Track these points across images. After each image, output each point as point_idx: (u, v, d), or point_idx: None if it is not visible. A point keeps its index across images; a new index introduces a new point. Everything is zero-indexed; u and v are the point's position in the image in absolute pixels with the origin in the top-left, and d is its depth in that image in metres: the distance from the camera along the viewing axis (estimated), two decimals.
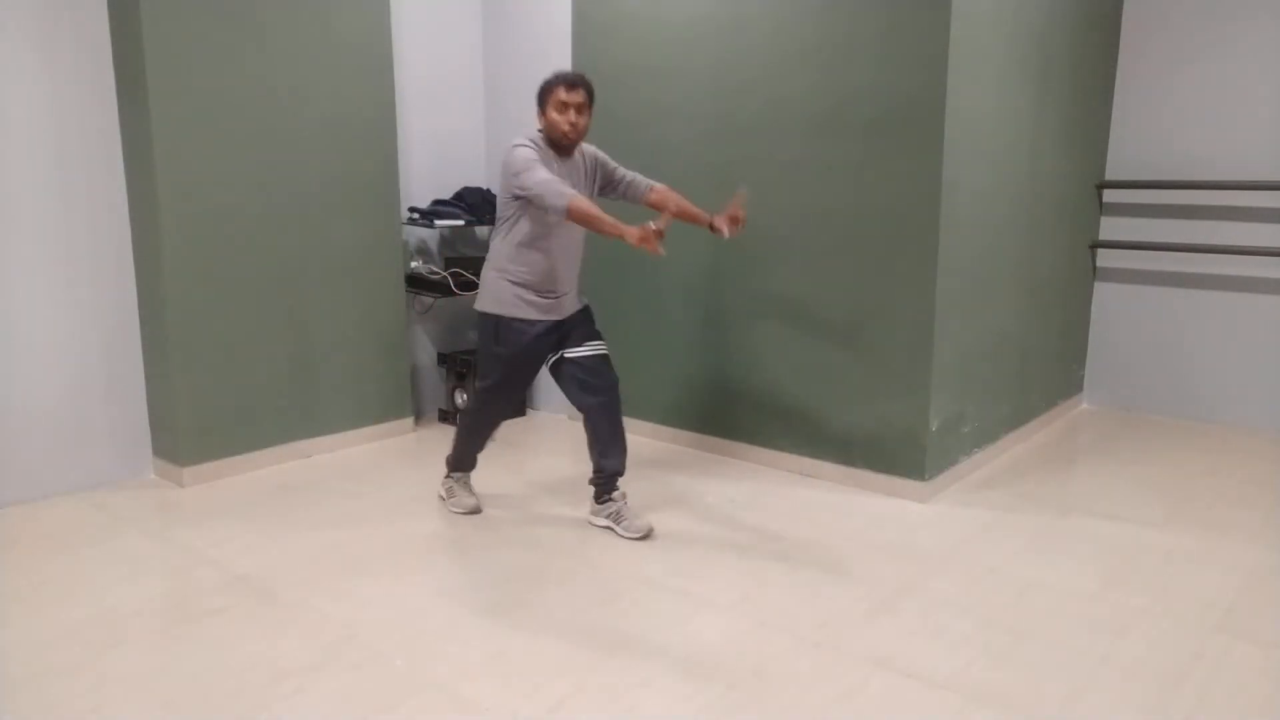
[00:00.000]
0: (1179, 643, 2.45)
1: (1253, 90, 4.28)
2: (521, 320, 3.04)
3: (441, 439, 4.34)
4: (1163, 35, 4.51)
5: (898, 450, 3.54)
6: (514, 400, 3.32)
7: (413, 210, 4.50)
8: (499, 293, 3.05)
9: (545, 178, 2.83)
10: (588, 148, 3.11)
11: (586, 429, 3.20)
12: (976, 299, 3.69)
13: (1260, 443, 4.27)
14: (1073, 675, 2.29)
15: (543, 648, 2.41)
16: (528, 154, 2.88)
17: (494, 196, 4.68)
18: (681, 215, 3.13)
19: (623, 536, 3.16)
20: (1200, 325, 4.57)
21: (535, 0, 4.52)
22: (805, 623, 2.55)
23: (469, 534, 3.18)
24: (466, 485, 3.42)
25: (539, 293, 3.04)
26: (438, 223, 4.42)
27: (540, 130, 2.99)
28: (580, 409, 3.18)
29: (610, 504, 3.21)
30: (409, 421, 4.45)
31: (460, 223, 4.46)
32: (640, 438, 4.17)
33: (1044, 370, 4.46)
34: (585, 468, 3.28)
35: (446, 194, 4.67)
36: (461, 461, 3.41)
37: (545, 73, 4.47)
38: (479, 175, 4.86)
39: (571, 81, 2.93)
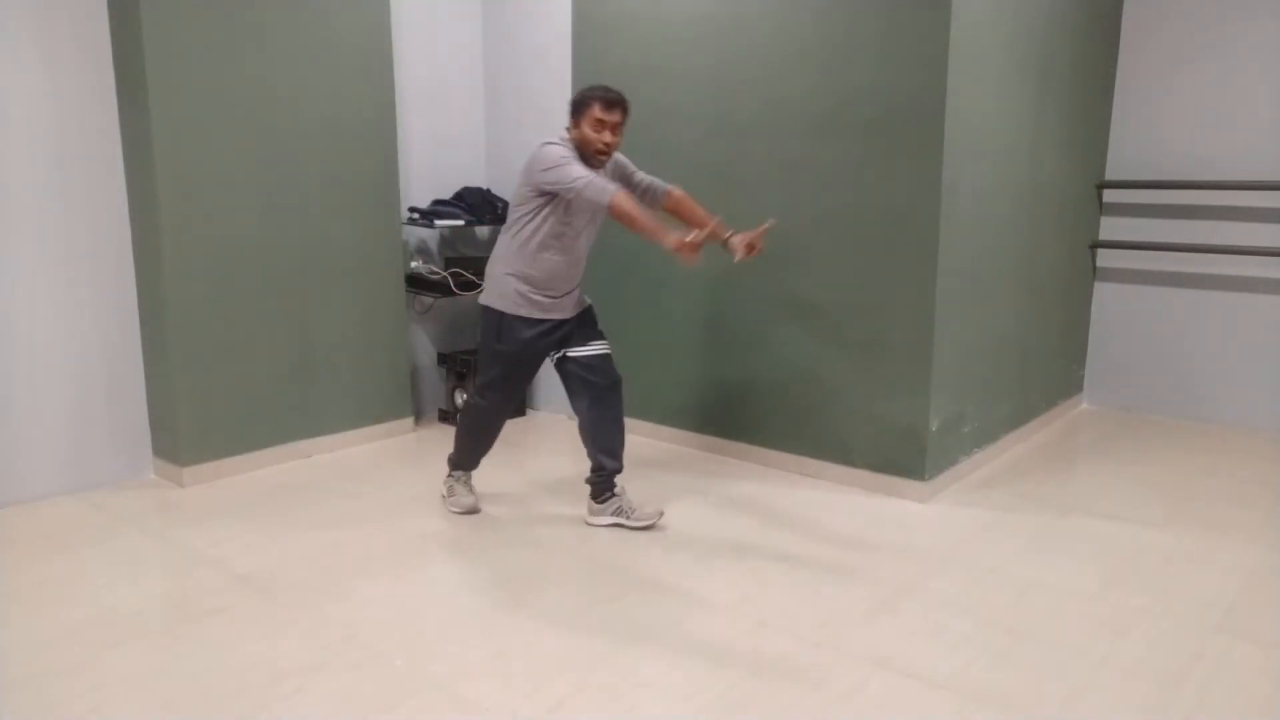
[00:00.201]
0: (1179, 643, 2.45)
1: (1253, 90, 4.28)
2: (524, 319, 3.04)
3: (442, 439, 4.35)
4: (1163, 35, 4.51)
5: (898, 450, 3.54)
6: (514, 398, 3.30)
7: (413, 210, 4.50)
8: (504, 289, 3.04)
9: (585, 173, 2.82)
10: None
11: (585, 429, 3.20)
12: (976, 299, 3.70)
13: (1260, 443, 4.27)
14: (1073, 675, 2.29)
15: (543, 648, 2.41)
16: (562, 150, 2.87)
17: (494, 196, 4.70)
18: (694, 224, 3.05)
19: (634, 527, 3.17)
20: (1200, 325, 4.57)
21: (535, 0, 4.52)
22: (805, 623, 2.55)
23: (469, 534, 3.18)
24: (467, 484, 3.41)
25: (543, 292, 3.03)
26: (438, 223, 4.42)
27: (568, 138, 2.96)
28: (582, 407, 3.18)
29: (613, 499, 3.22)
30: (409, 421, 4.45)
31: (460, 223, 4.46)
32: (640, 437, 4.17)
33: (1044, 370, 4.46)
34: (584, 468, 3.28)
35: (446, 194, 4.67)
36: (462, 460, 3.40)
37: (545, 73, 4.54)
38: (479, 175, 4.87)
39: (611, 100, 2.89)
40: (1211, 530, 3.23)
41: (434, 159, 4.65)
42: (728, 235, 3.02)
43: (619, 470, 3.22)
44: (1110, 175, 4.75)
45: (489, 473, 3.73)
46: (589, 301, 3.23)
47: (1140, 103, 4.61)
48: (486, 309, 3.10)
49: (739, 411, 4.01)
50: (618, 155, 3.12)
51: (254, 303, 3.77)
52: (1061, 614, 2.61)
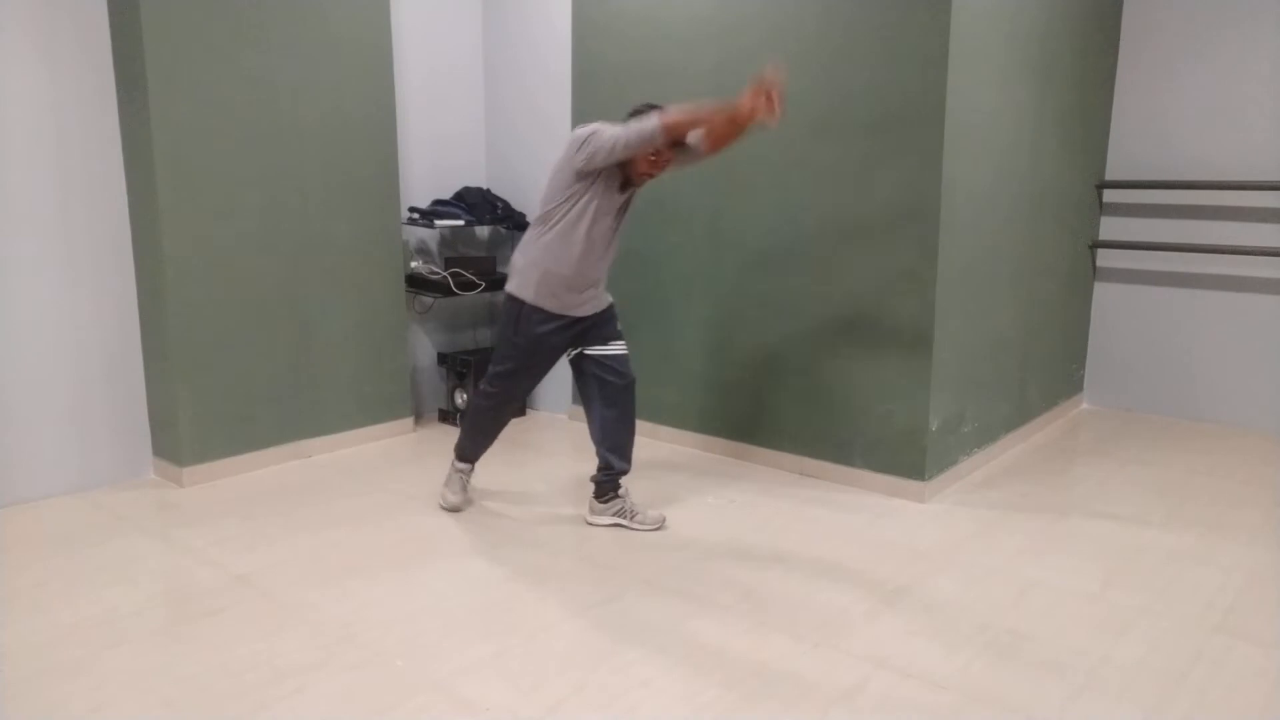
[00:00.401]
0: (1179, 643, 2.45)
1: (1253, 90, 4.28)
2: (542, 311, 3.01)
3: (442, 439, 4.35)
4: (1163, 35, 4.51)
5: (898, 450, 3.54)
6: (521, 393, 3.27)
7: (413, 210, 4.50)
8: (529, 279, 3.01)
9: (621, 129, 2.75)
10: None
11: (596, 426, 3.20)
12: (976, 299, 3.70)
13: (1260, 443, 4.27)
14: (1073, 675, 2.29)
15: (543, 648, 2.41)
16: (593, 124, 2.84)
17: (494, 196, 4.71)
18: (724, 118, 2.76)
19: (637, 530, 3.17)
20: (1200, 325, 4.57)
21: (535, 0, 4.52)
22: (805, 623, 2.55)
23: (469, 534, 3.18)
24: (462, 484, 3.39)
25: (569, 285, 3.00)
26: (438, 223, 4.42)
27: None
28: (595, 405, 3.18)
29: (616, 500, 3.22)
30: (409, 421, 4.45)
31: (460, 223, 4.46)
32: (640, 437, 4.13)
33: (1044, 370, 4.46)
34: (585, 467, 3.29)
35: (446, 194, 4.67)
36: (464, 449, 3.37)
37: (545, 73, 4.53)
38: (479, 175, 4.87)
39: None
40: (1211, 530, 3.23)
41: (434, 159, 4.65)
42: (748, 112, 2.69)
43: (626, 471, 3.22)
44: (1110, 175, 4.75)
45: (489, 472, 3.74)
46: (610, 299, 3.20)
47: (1140, 103, 4.61)
48: (510, 298, 3.07)
49: (739, 411, 4.01)
50: None
51: (254, 303, 3.77)
52: (1061, 614, 2.61)
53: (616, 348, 3.15)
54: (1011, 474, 3.85)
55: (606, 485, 3.22)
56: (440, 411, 4.71)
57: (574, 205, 2.93)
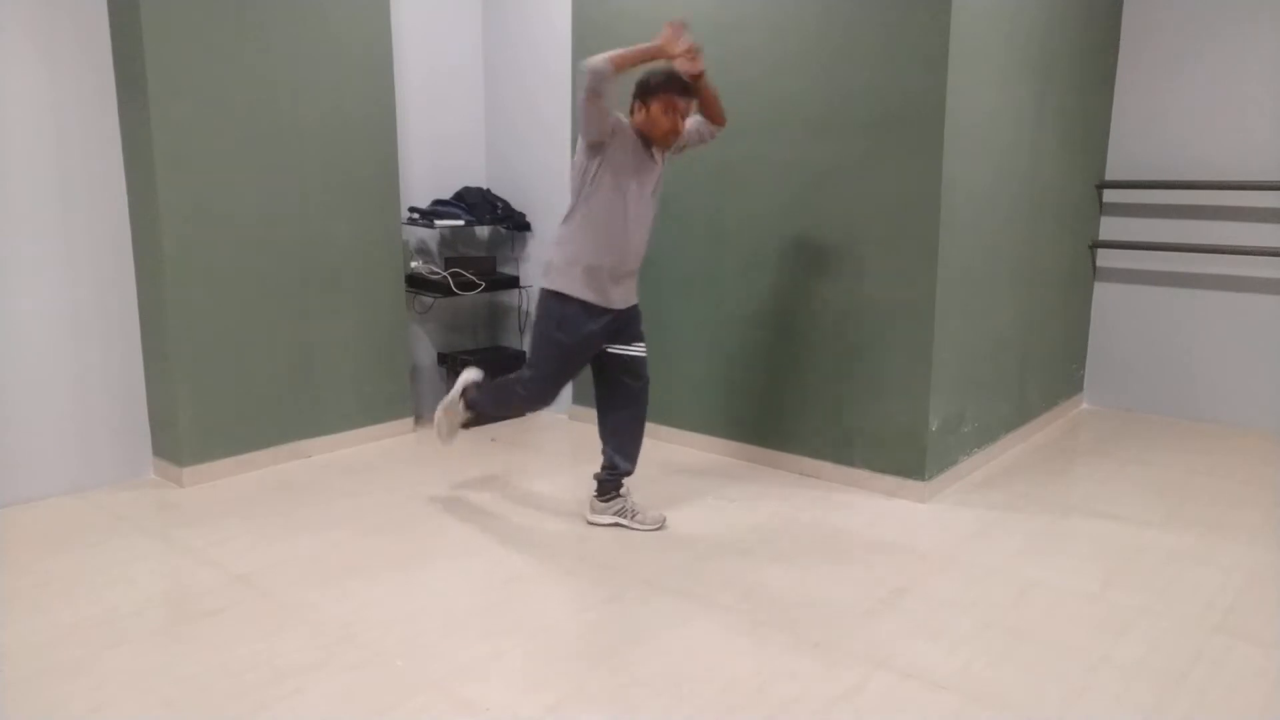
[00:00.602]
0: (1179, 643, 2.45)
1: (1253, 90, 4.28)
2: (588, 307, 2.98)
3: None
4: (1163, 35, 4.51)
5: (898, 450, 3.54)
6: (554, 395, 3.17)
7: (413, 210, 4.50)
8: (570, 273, 2.97)
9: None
10: None
11: (608, 424, 3.20)
12: (976, 299, 3.70)
13: (1260, 443, 4.27)
14: (1073, 675, 2.29)
15: (542, 648, 2.41)
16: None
17: (494, 196, 4.71)
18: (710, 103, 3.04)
19: (637, 530, 3.17)
20: (1200, 325, 4.57)
21: (535, 1, 4.52)
22: (805, 623, 2.55)
23: (469, 534, 3.18)
24: (456, 425, 3.38)
25: (611, 275, 2.98)
26: (438, 223, 4.42)
27: (632, 115, 2.94)
28: (609, 404, 3.18)
29: (618, 499, 3.23)
30: (409, 421, 4.45)
31: (460, 223, 4.46)
32: None
33: (1044, 370, 4.46)
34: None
35: (446, 194, 4.68)
36: (478, 405, 3.32)
37: (545, 73, 4.54)
38: (479, 175, 4.87)
39: (685, 87, 2.88)
40: (1211, 530, 3.23)
41: (434, 159, 4.65)
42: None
43: (630, 472, 3.23)
44: (1110, 175, 4.75)
45: (490, 473, 3.74)
46: (636, 299, 3.17)
47: (1140, 103, 4.61)
48: (549, 294, 3.01)
49: (738, 411, 4.01)
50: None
51: (254, 303, 3.77)
52: (1061, 614, 2.61)
53: (639, 349, 3.14)
54: (1011, 474, 3.85)
55: (609, 484, 3.22)
56: None
57: (600, 186, 2.90)
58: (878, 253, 3.48)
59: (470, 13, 4.71)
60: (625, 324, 3.10)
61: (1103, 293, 4.88)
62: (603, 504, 3.24)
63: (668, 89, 2.87)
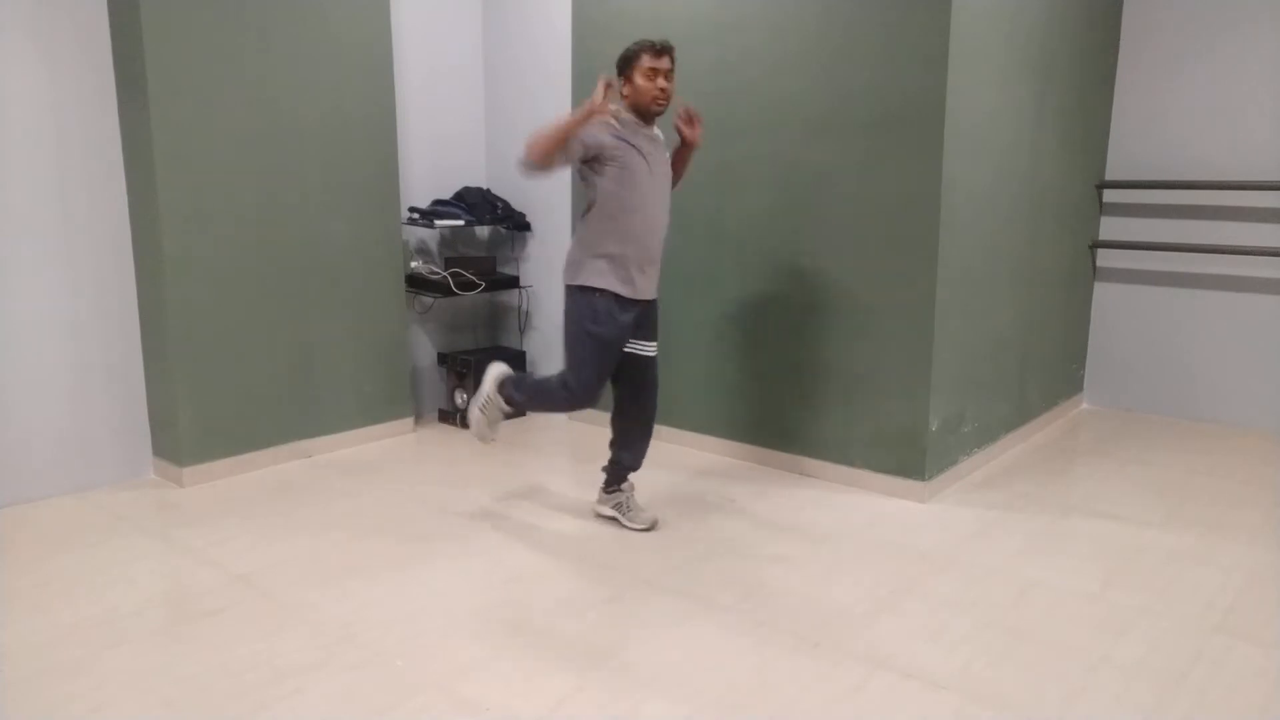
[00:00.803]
0: (1179, 643, 2.45)
1: (1252, 90, 4.28)
2: (620, 299, 2.96)
3: (441, 439, 4.35)
4: (1163, 35, 4.51)
5: (898, 450, 3.54)
6: (602, 389, 3.08)
7: (413, 210, 4.50)
8: (595, 266, 2.95)
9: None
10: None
11: (617, 421, 3.21)
12: (976, 299, 3.70)
13: (1260, 443, 4.27)
14: (1073, 675, 2.29)
15: (543, 648, 2.41)
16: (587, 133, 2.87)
17: (494, 196, 4.71)
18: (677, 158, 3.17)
19: (628, 528, 3.17)
20: (1200, 325, 4.57)
21: (535, 1, 4.52)
22: (805, 623, 2.55)
23: (469, 534, 3.18)
24: (499, 419, 3.28)
25: (636, 264, 2.97)
26: (438, 223, 4.42)
27: (624, 97, 2.96)
28: (618, 405, 3.19)
29: (618, 494, 3.24)
30: (409, 421, 4.45)
31: (460, 223, 4.46)
32: None
33: (1044, 370, 4.46)
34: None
35: (446, 194, 4.68)
36: (517, 402, 3.22)
37: (545, 73, 4.54)
38: (479, 175, 4.87)
39: (658, 48, 2.90)
40: (1211, 530, 3.23)
41: (434, 159, 4.65)
42: (681, 139, 3.11)
43: (635, 468, 3.24)
44: (1110, 175, 4.75)
45: (490, 473, 3.74)
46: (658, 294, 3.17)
47: (1140, 103, 4.61)
48: (577, 290, 2.98)
49: (739, 411, 4.01)
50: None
51: (254, 302, 3.77)
52: (1061, 614, 2.61)
53: (652, 348, 3.14)
54: (1011, 474, 3.85)
55: (614, 477, 3.25)
56: (440, 411, 4.71)
57: (606, 177, 2.90)
58: (878, 253, 3.48)
59: (470, 13, 4.71)
60: (645, 318, 3.09)
61: (1103, 293, 4.88)
62: (606, 495, 3.27)
63: (639, 56, 2.91)
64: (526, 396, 3.21)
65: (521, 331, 4.92)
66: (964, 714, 2.12)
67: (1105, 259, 4.85)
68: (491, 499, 3.51)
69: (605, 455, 3.29)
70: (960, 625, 2.54)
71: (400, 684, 2.24)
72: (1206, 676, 2.28)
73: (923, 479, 3.50)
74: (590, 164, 2.91)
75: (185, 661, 2.34)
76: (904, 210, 3.39)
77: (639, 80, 2.91)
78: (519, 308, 4.89)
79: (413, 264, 4.52)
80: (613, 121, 2.91)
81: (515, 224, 4.72)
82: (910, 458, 3.51)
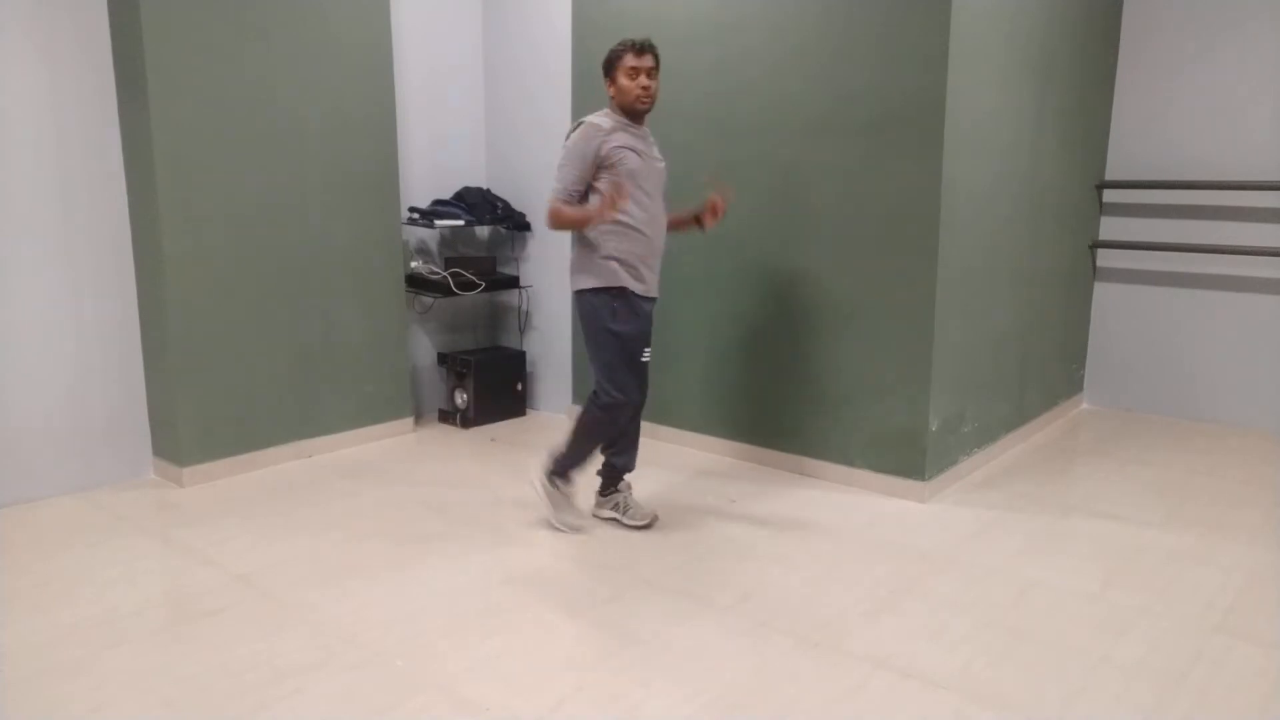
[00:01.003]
0: (1179, 643, 2.45)
1: (1252, 90, 4.28)
2: (635, 295, 2.98)
3: (441, 439, 4.35)
4: (1163, 35, 4.51)
5: (898, 450, 3.54)
6: (643, 380, 3.07)
7: (413, 210, 4.50)
8: (606, 266, 2.95)
9: (559, 186, 2.92)
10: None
11: None
12: (976, 299, 3.70)
13: (1260, 443, 4.27)
14: (1073, 675, 2.29)
15: (543, 648, 2.41)
16: (573, 142, 2.91)
17: (494, 196, 4.71)
18: (673, 226, 3.17)
19: (628, 525, 3.18)
20: (1200, 325, 4.57)
21: (535, 1, 4.52)
22: (805, 623, 2.55)
23: (469, 534, 3.18)
24: (571, 499, 3.22)
25: (644, 263, 2.99)
26: (438, 223, 4.42)
27: (611, 100, 2.98)
28: None
29: (615, 495, 3.25)
30: (409, 421, 4.45)
31: (460, 223, 4.46)
32: (641, 438, 4.15)
33: (1044, 370, 4.46)
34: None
35: (446, 194, 4.67)
36: (568, 464, 3.16)
37: (545, 73, 4.54)
38: (479, 175, 4.87)
39: (640, 47, 2.92)
40: (1211, 530, 3.23)
41: (434, 159, 4.65)
42: (693, 216, 3.14)
43: (630, 470, 3.25)
44: (1110, 175, 4.75)
45: (490, 471, 3.74)
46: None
47: (1140, 103, 4.61)
48: (590, 293, 2.97)
49: (739, 411, 4.01)
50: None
51: (254, 303, 3.77)
52: (1061, 614, 2.61)
53: (647, 354, 3.11)
54: (1011, 474, 3.85)
55: (608, 481, 3.26)
56: (440, 411, 4.71)
57: (604, 181, 2.93)
58: (878, 253, 3.48)
59: (470, 13, 4.71)
60: (651, 319, 3.10)
61: (1103, 293, 4.88)
62: (604, 498, 3.27)
63: (621, 56, 2.93)
64: (570, 455, 3.15)
65: (521, 331, 4.92)
66: (964, 714, 2.12)
67: (1105, 259, 4.85)
68: (491, 499, 3.51)
69: (602, 455, 3.28)
70: (960, 625, 2.54)
71: (400, 684, 2.24)
72: (1206, 676, 2.28)
73: (923, 479, 3.50)
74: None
75: (185, 661, 2.34)
76: (904, 210, 3.39)
77: (622, 80, 2.93)
78: (519, 308, 4.89)
79: (413, 264, 4.52)
80: (603, 127, 2.92)
81: (515, 224, 4.72)
82: (910, 458, 3.51)
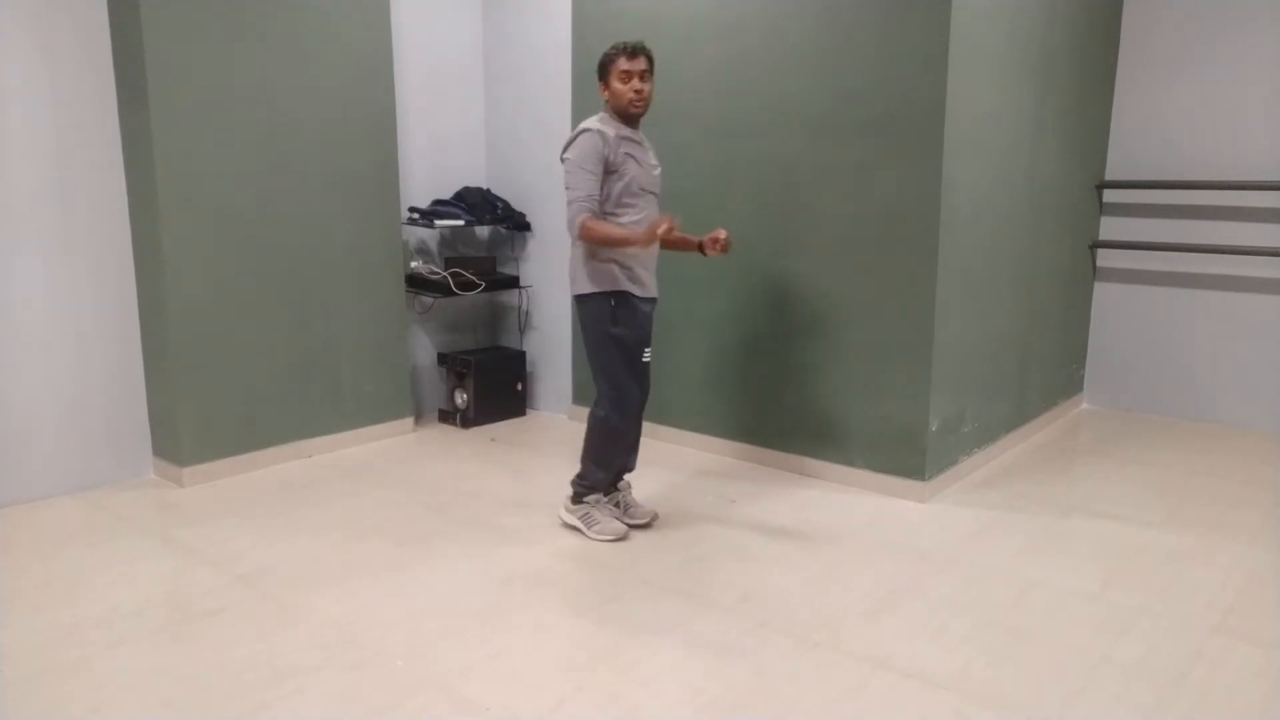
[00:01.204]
0: (1179, 643, 2.45)
1: (1252, 91, 4.28)
2: (635, 296, 2.99)
3: (441, 439, 4.35)
4: (1163, 35, 4.51)
5: (898, 450, 3.54)
6: (645, 382, 3.09)
7: (413, 210, 4.50)
8: (608, 272, 2.96)
9: (582, 194, 2.87)
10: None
11: None
12: (976, 299, 3.70)
13: (1260, 443, 4.27)
14: (1073, 675, 2.29)
15: (543, 648, 2.41)
16: (582, 151, 2.88)
17: (494, 196, 4.71)
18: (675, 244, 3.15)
19: (629, 525, 3.18)
20: (1200, 325, 4.57)
21: (535, 1, 4.52)
22: (805, 623, 2.55)
23: (469, 534, 3.18)
24: (607, 508, 3.20)
25: (643, 265, 3.00)
26: (438, 223, 4.43)
27: (605, 103, 2.98)
28: None
29: (615, 494, 3.25)
30: (409, 421, 4.45)
31: (460, 223, 4.46)
32: (641, 437, 4.15)
33: (1044, 370, 4.46)
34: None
35: (446, 194, 4.68)
36: (596, 480, 3.17)
37: (545, 73, 4.54)
38: (479, 175, 4.87)
39: (632, 50, 2.92)
40: (1211, 530, 3.23)
41: (434, 159, 4.65)
42: (698, 242, 3.10)
43: (630, 470, 3.25)
44: (1110, 175, 4.75)
45: (490, 471, 3.73)
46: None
47: (1140, 103, 4.61)
48: (591, 298, 2.98)
49: (739, 411, 4.01)
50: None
51: (254, 303, 3.77)
52: (1061, 614, 2.61)
53: (648, 354, 3.12)
54: (1011, 474, 3.85)
55: (611, 480, 3.24)
56: (440, 412, 4.71)
57: (605, 185, 2.93)
58: (878, 253, 3.48)
59: (470, 13, 4.71)
60: (651, 320, 3.10)
61: (1103, 293, 4.88)
62: (604, 499, 3.26)
63: (614, 59, 2.93)
64: (589, 471, 3.17)
65: (521, 331, 4.92)
66: (964, 714, 2.12)
67: (1105, 259, 4.85)
68: (492, 499, 3.51)
69: None
70: (960, 625, 2.54)
71: (400, 684, 2.24)
72: (1206, 676, 2.28)
73: (923, 479, 3.50)
74: None
75: (185, 661, 2.34)
76: (904, 210, 3.39)
77: (615, 83, 2.93)
78: (519, 308, 4.89)
79: (413, 264, 4.52)
80: (607, 135, 2.91)
81: (515, 224, 4.72)
82: (910, 458, 3.51)
